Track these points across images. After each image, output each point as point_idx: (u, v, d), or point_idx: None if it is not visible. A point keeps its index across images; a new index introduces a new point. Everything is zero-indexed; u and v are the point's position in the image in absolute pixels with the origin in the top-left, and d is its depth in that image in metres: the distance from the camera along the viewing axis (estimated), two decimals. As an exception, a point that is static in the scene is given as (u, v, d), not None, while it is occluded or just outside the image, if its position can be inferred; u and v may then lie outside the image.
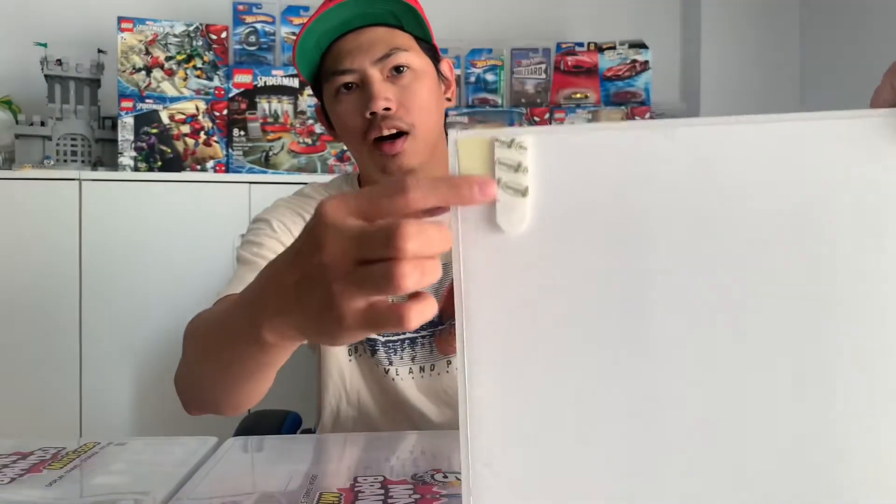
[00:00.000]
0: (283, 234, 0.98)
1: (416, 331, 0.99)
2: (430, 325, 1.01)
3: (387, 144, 0.92)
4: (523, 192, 0.43)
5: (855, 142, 0.43)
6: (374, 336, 0.99)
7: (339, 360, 1.03)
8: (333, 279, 0.43)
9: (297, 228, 0.99)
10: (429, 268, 0.41)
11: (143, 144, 1.94)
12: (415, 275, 0.41)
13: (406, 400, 1.00)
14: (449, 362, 1.01)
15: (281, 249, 0.94)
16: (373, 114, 0.91)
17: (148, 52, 1.98)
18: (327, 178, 1.97)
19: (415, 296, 0.43)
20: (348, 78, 0.93)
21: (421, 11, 0.96)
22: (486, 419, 0.44)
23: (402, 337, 1.01)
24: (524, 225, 0.43)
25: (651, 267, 0.44)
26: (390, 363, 1.00)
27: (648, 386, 0.44)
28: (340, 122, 0.96)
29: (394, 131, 0.92)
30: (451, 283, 0.99)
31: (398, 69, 0.93)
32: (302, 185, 1.15)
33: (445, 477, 0.67)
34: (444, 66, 1.01)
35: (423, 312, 0.43)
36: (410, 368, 1.01)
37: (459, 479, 0.66)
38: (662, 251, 0.44)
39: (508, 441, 0.45)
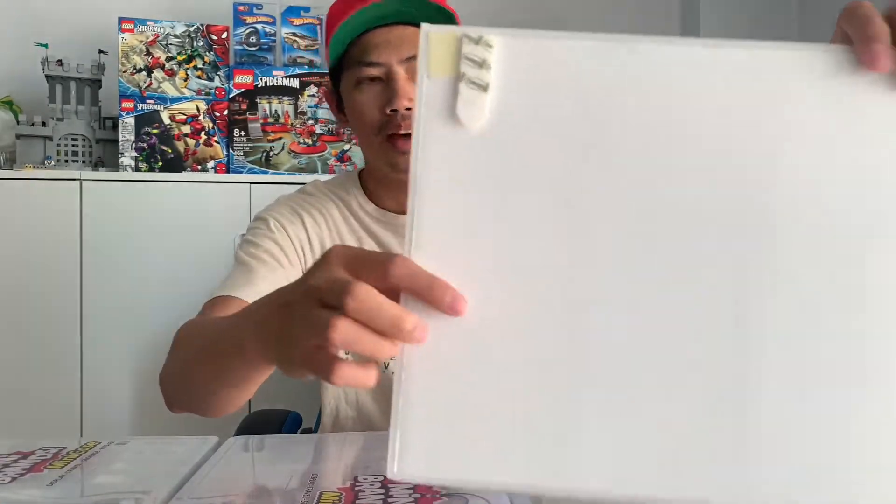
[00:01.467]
0: (279, 234, 0.98)
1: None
2: None
3: (401, 141, 0.92)
4: (485, 88, 0.45)
5: (803, 73, 0.45)
6: None
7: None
8: (298, 313, 0.46)
9: (293, 228, 0.99)
10: (366, 338, 0.43)
11: (144, 145, 1.94)
12: (348, 332, 0.43)
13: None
14: None
15: (276, 249, 0.95)
16: (393, 111, 0.92)
17: (149, 53, 1.98)
18: (329, 178, 1.97)
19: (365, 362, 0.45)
20: (374, 71, 0.93)
21: (457, 19, 0.97)
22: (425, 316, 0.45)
23: None
24: (483, 120, 0.45)
25: (603, 175, 0.45)
26: (391, 358, 0.99)
27: (587, 289, 0.45)
28: (357, 111, 0.95)
29: (410, 130, 0.92)
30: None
31: None
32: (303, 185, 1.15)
33: (445, 476, 0.67)
34: None
35: (356, 377, 0.45)
36: None
37: (459, 479, 0.66)
38: (616, 161, 0.45)
39: (446, 336, 0.45)
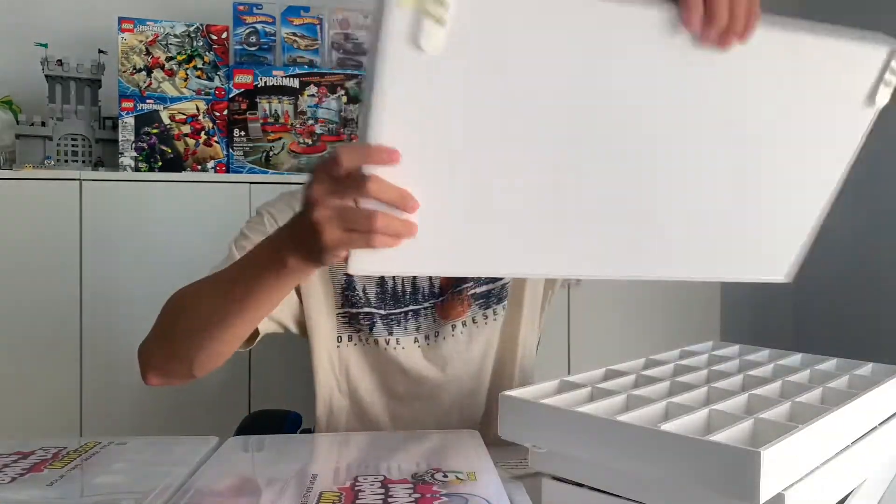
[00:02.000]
0: (271, 229, 1.02)
1: (419, 303, 1.08)
2: (432, 296, 1.09)
3: None
4: (442, 22, 0.53)
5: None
6: (372, 311, 1.06)
7: (329, 348, 1.07)
8: (329, 204, 0.62)
9: (284, 220, 1.02)
10: (386, 215, 0.60)
11: (144, 144, 1.94)
12: (379, 187, 0.59)
13: (409, 368, 1.07)
14: (453, 326, 1.09)
15: None
16: None
17: (148, 53, 1.98)
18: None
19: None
20: None
21: None
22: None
23: (404, 309, 1.08)
24: (439, 50, 0.54)
25: (537, 97, 0.59)
26: (390, 334, 1.07)
27: (535, 165, 0.63)
28: None
29: None
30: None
31: None
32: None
33: (445, 476, 0.67)
34: None
35: (395, 225, 0.60)
36: (416, 338, 1.08)
37: (460, 479, 0.67)
38: (548, 91, 0.59)
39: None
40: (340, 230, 0.61)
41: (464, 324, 1.10)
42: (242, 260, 0.81)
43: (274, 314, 1.01)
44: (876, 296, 2.22)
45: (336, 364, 1.08)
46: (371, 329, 1.06)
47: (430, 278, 1.09)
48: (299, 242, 0.68)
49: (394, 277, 1.08)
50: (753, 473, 0.56)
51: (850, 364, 0.90)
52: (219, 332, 0.83)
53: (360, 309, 1.06)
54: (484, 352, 1.11)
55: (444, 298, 1.09)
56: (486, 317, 1.11)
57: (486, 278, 1.10)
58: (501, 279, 1.11)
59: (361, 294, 1.06)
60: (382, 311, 1.07)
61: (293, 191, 1.11)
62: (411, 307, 1.08)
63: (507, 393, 0.75)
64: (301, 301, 1.06)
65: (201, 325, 0.84)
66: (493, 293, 1.11)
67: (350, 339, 1.08)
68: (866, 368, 0.89)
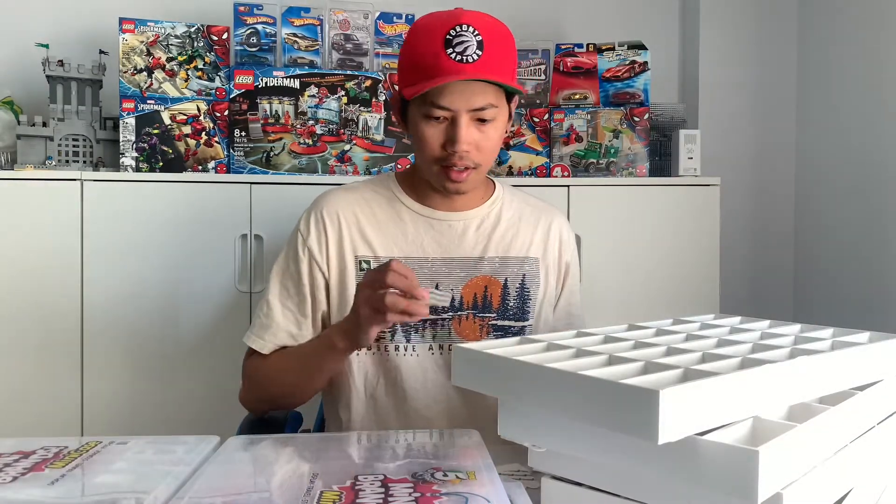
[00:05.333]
0: (303, 251, 1.16)
1: (439, 314, 1.16)
2: (452, 308, 1.15)
3: (455, 173, 1.09)
4: None
5: None
6: None
7: (349, 356, 1.14)
8: (366, 306, 0.97)
9: (314, 240, 1.16)
10: (401, 300, 0.95)
11: (145, 145, 1.94)
12: (394, 295, 0.94)
13: (419, 375, 1.14)
14: None
15: (303, 271, 1.17)
16: (453, 150, 1.06)
17: (149, 53, 1.98)
18: (329, 178, 1.97)
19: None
20: (443, 114, 1.06)
21: (523, 91, 1.15)
22: None
23: (424, 319, 1.14)
24: None
25: None
26: (408, 341, 1.14)
27: None
28: (422, 139, 1.09)
29: (463, 167, 1.08)
30: (477, 278, 1.16)
31: (484, 120, 1.08)
32: (312, 185, 1.27)
33: (445, 475, 0.68)
34: (514, 104, 1.16)
35: (403, 304, 0.94)
36: (430, 346, 1.15)
37: (459, 478, 0.67)
38: None
39: None
40: (367, 308, 0.96)
41: None
42: (314, 343, 1.13)
43: (296, 334, 1.17)
44: (876, 275, 2.23)
45: (354, 370, 1.15)
46: (392, 336, 1.13)
47: (452, 291, 1.15)
48: (345, 331, 1.04)
49: None
50: (752, 472, 0.56)
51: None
52: (303, 390, 1.15)
53: None
54: None
55: (464, 315, 1.15)
56: None
57: (510, 315, 1.17)
58: (524, 321, 1.17)
59: None
60: None
61: (334, 189, 1.21)
62: (430, 316, 1.13)
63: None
64: (329, 316, 1.17)
65: (291, 390, 1.15)
66: (511, 330, 1.16)
67: (368, 347, 1.13)
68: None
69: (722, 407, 0.63)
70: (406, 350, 1.14)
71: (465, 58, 1.02)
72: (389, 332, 1.13)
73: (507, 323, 1.17)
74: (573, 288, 1.27)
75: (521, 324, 1.17)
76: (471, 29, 1.03)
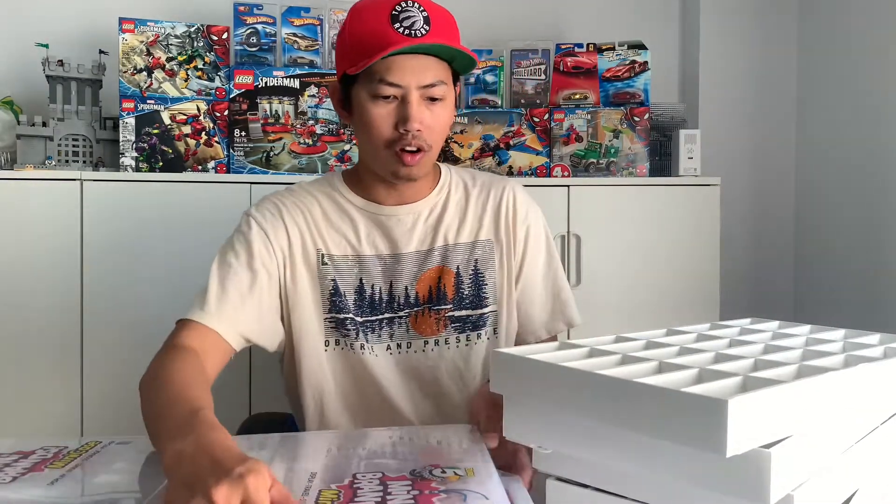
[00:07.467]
0: (258, 233, 1.08)
1: (395, 311, 1.10)
2: (408, 305, 1.11)
3: (408, 156, 1.03)
4: None
5: None
6: (349, 316, 1.09)
7: (317, 351, 1.10)
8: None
9: (274, 234, 1.09)
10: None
11: (145, 145, 1.94)
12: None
13: (381, 375, 1.10)
14: (426, 342, 1.11)
15: (255, 250, 1.05)
16: (406, 130, 1.02)
17: (149, 53, 1.98)
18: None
19: None
20: (392, 91, 1.01)
21: (477, 61, 1.08)
22: None
23: (380, 317, 1.11)
24: None
25: None
26: (366, 341, 1.10)
27: None
28: (369, 123, 1.04)
29: (416, 147, 1.04)
30: (430, 270, 1.12)
31: (434, 99, 1.03)
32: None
33: (444, 472, 0.68)
34: (458, 88, 1.13)
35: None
36: (388, 346, 1.11)
37: (458, 475, 0.67)
38: None
39: None
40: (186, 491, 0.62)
41: (436, 342, 1.11)
42: (159, 423, 0.79)
43: (252, 338, 1.05)
44: (876, 275, 2.23)
45: (325, 367, 1.10)
46: (356, 335, 1.09)
47: (407, 288, 1.11)
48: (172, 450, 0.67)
49: (372, 285, 1.10)
50: (764, 474, 0.55)
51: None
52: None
53: (346, 315, 1.09)
54: (451, 374, 1.12)
55: (420, 310, 1.11)
56: (459, 341, 1.12)
57: (466, 304, 1.13)
58: (482, 308, 1.13)
59: (345, 300, 1.09)
60: (359, 318, 1.09)
61: (278, 191, 1.16)
62: (386, 315, 1.11)
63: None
64: (287, 314, 1.09)
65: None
66: (469, 319, 1.13)
67: (337, 343, 1.10)
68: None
69: (787, 416, 0.59)
70: (364, 349, 1.09)
71: (413, 31, 0.98)
72: (354, 328, 1.08)
73: (463, 313, 1.12)
74: (549, 260, 1.19)
75: (478, 311, 1.13)
76: (416, 5, 1.00)
